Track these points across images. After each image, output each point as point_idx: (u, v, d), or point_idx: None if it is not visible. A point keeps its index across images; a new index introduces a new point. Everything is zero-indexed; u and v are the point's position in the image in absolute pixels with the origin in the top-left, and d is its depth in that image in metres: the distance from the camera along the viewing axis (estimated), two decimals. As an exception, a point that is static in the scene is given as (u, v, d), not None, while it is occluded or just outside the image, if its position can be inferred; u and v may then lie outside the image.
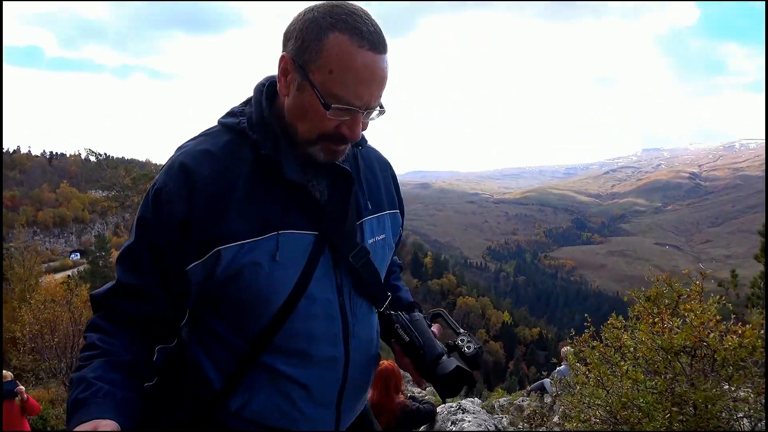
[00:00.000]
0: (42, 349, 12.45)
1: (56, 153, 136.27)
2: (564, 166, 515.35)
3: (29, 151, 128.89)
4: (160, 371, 1.29)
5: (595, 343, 2.97)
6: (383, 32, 1.19)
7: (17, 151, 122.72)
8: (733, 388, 2.38)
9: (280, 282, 1.23)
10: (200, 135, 1.30)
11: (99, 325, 1.23)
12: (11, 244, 27.20)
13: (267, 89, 1.30)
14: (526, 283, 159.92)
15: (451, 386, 1.35)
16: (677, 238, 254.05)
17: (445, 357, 1.37)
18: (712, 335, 2.31)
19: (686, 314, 2.46)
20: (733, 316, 2.59)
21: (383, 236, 1.43)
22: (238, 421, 1.31)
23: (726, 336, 2.36)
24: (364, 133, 1.31)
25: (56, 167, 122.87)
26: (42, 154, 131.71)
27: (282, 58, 1.20)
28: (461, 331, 1.45)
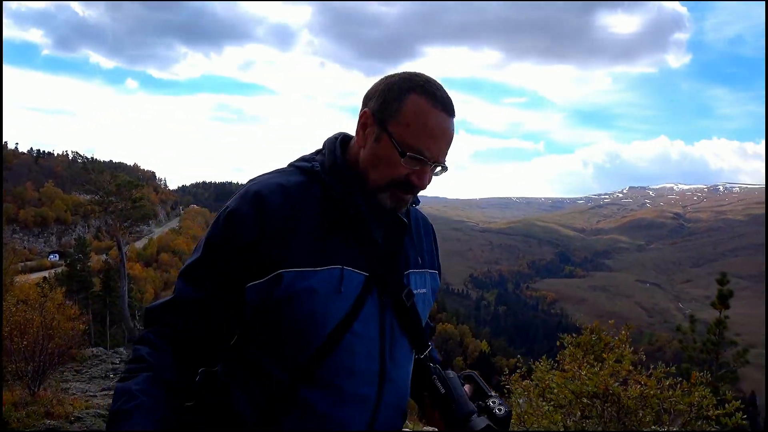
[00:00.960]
0: (10, 352, 12.42)
1: (44, 152, 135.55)
2: (551, 198, 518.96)
3: (16, 147, 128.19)
4: (199, 393, 1.33)
5: (525, 383, 3.17)
6: (451, 98, 1.34)
7: (4, 146, 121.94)
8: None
9: (330, 314, 1.27)
10: (273, 171, 1.40)
11: (149, 339, 1.28)
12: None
13: (340, 141, 1.42)
14: (506, 313, 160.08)
15: None
16: (659, 276, 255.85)
17: (475, 416, 1.37)
18: (617, 384, 2.52)
19: (597, 364, 2.68)
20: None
21: (424, 291, 1.49)
22: None
23: (632, 386, 2.58)
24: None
25: (42, 166, 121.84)
26: (29, 152, 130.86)
27: (364, 114, 1.34)
28: (492, 393, 1.46)
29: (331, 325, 1.28)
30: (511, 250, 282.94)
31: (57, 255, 74.29)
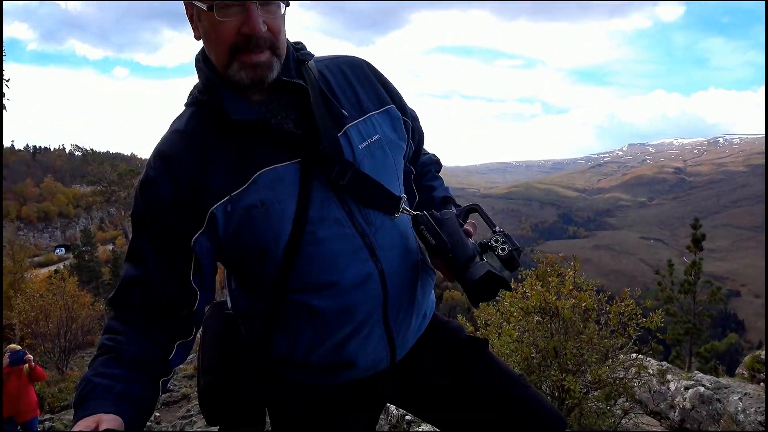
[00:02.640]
0: (37, 335, 13.18)
1: (40, 147, 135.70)
2: (550, 160, 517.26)
3: (12, 145, 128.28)
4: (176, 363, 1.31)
5: (490, 310, 3.76)
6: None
7: None
8: (580, 340, 3.22)
9: (279, 216, 1.24)
10: (171, 123, 1.37)
11: (110, 326, 1.26)
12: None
13: (202, 54, 1.35)
14: (512, 277, 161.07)
15: (484, 292, 1.29)
16: (662, 232, 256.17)
17: (477, 260, 1.30)
18: (557, 300, 3.13)
19: (539, 283, 3.30)
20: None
21: (377, 136, 1.40)
22: (288, 367, 1.39)
23: (568, 300, 3.19)
24: (310, 50, 1.41)
25: (40, 162, 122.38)
26: (25, 149, 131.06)
27: (186, 6, 1.27)
28: (497, 229, 1.39)
29: (287, 227, 1.24)
30: (513, 214, 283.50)
31: (63, 248, 75.23)
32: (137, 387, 1.18)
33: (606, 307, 3.33)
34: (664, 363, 5.73)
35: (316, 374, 1.39)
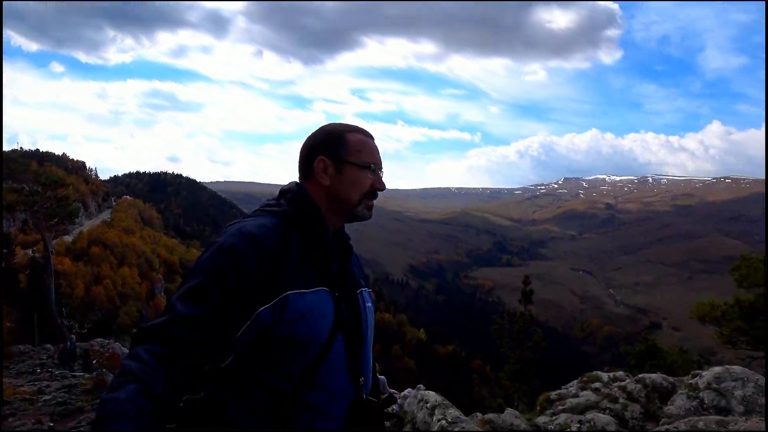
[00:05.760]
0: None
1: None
2: (488, 189, 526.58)
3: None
4: (180, 418, 1.40)
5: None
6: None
7: None
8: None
9: (323, 327, 1.54)
10: (251, 217, 1.67)
11: (139, 356, 1.35)
12: None
13: (301, 188, 1.74)
14: (445, 302, 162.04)
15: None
16: (591, 264, 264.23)
17: None
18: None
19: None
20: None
21: (370, 305, 1.81)
22: None
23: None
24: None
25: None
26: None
27: (319, 161, 1.71)
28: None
29: (324, 337, 1.54)
30: (449, 240, 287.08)
31: (-21, 249, 70.90)
32: (157, 426, 1.29)
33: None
34: (439, 398, 6.48)
35: None
